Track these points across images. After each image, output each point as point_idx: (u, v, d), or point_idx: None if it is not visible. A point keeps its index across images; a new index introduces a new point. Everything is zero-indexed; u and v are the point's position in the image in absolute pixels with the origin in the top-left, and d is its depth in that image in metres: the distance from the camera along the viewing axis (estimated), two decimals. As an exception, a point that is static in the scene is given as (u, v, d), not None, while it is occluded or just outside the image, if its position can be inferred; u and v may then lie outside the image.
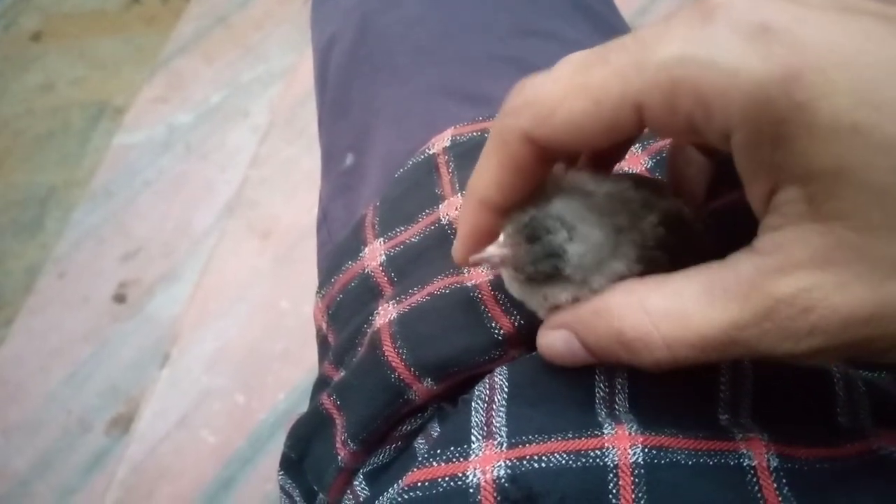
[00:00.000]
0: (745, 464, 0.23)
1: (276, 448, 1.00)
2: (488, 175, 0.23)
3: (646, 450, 0.23)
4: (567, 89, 0.20)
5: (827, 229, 0.18)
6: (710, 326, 0.20)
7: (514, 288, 0.25)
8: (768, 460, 0.23)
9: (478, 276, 0.31)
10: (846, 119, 0.17)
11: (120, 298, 1.18)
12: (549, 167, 0.23)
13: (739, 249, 0.20)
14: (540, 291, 0.23)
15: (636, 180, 0.24)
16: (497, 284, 0.30)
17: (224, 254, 1.21)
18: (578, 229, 0.22)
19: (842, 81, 0.17)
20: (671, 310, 0.20)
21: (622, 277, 0.22)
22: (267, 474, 0.98)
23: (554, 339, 0.24)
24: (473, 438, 0.25)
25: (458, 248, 0.25)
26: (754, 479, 0.23)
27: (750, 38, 0.17)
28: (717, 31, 0.18)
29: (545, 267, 0.22)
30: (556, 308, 0.24)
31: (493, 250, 0.23)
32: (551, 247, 0.22)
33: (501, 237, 0.23)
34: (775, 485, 0.22)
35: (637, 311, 0.21)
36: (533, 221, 0.22)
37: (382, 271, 0.35)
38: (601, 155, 0.26)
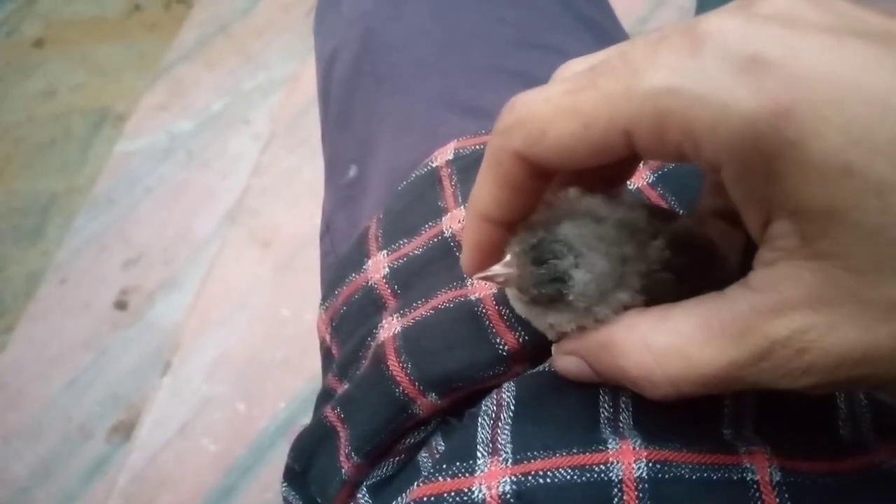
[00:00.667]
0: (748, 478, 0.23)
1: (276, 457, 1.00)
2: (486, 192, 0.23)
3: (650, 464, 0.23)
4: (557, 111, 0.20)
5: (819, 267, 0.18)
6: (709, 365, 0.20)
7: (517, 307, 0.25)
8: (771, 474, 0.23)
9: (481, 290, 0.31)
10: (838, 159, 0.16)
11: (121, 305, 1.18)
12: (546, 182, 0.23)
13: (736, 283, 0.20)
14: (545, 316, 0.24)
15: (651, 210, 0.24)
16: (501, 299, 0.31)
17: (225, 262, 1.21)
18: (586, 257, 0.22)
19: (834, 119, 0.16)
20: (672, 347, 0.21)
21: (626, 307, 0.22)
22: (267, 483, 0.98)
23: (567, 363, 0.25)
24: (479, 454, 0.25)
25: (464, 261, 0.25)
26: (757, 494, 0.23)
27: (740, 72, 0.17)
28: (706, 62, 0.17)
29: (549, 290, 0.22)
30: (563, 333, 0.24)
31: (498, 269, 0.23)
32: (556, 271, 0.22)
33: (508, 256, 0.23)
34: (778, 500, 0.22)
35: (640, 348, 0.21)
36: (541, 244, 0.22)
37: (386, 284, 0.35)
38: (609, 172, 0.26)
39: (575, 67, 0.23)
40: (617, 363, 0.22)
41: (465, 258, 0.25)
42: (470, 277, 0.25)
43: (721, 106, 0.17)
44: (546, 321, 0.24)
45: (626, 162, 0.25)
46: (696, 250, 0.24)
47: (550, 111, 0.20)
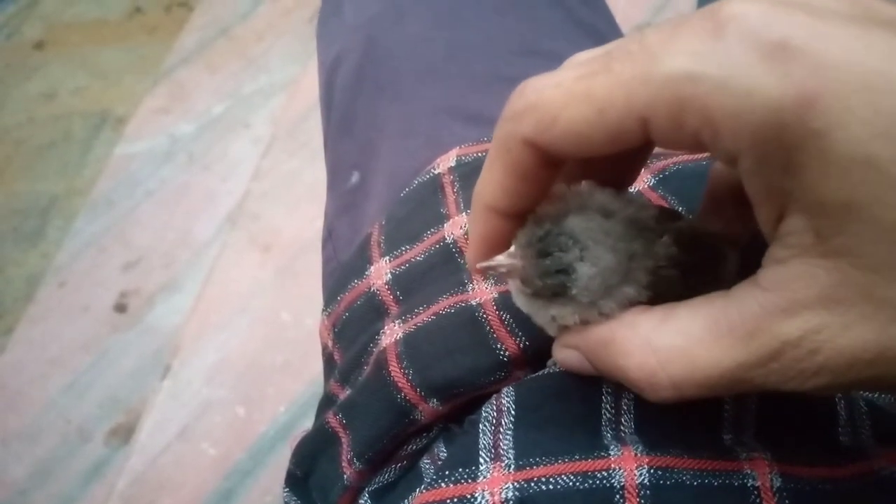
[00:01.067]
0: (748, 484, 0.23)
1: (276, 461, 1.00)
2: (493, 181, 0.22)
3: (651, 470, 0.23)
4: (570, 96, 0.19)
5: (833, 266, 0.17)
6: (716, 367, 0.19)
7: (520, 301, 0.24)
8: (771, 480, 0.23)
9: (482, 295, 0.31)
10: (861, 151, 0.16)
11: (120, 308, 1.18)
12: (555, 171, 0.22)
13: (744, 281, 0.20)
14: (547, 310, 0.23)
15: (661, 210, 0.24)
16: (502, 304, 0.31)
17: (225, 265, 1.21)
18: (591, 250, 0.21)
19: (860, 109, 0.16)
20: (676, 349, 0.20)
21: (631, 303, 0.22)
22: (267, 487, 0.98)
23: (567, 356, 0.24)
24: (481, 460, 0.25)
25: (469, 253, 0.24)
26: (758, 500, 0.23)
27: (765, 57, 0.16)
28: (729, 46, 0.17)
29: (553, 282, 0.22)
30: (565, 327, 0.23)
31: (501, 259, 0.22)
32: (560, 264, 0.21)
33: (513, 247, 0.22)
34: None
35: (642, 349, 0.20)
36: (547, 236, 0.22)
37: (388, 290, 0.35)
38: (618, 164, 0.25)
39: (585, 57, 0.22)
40: (617, 362, 0.21)
41: (470, 250, 0.24)
42: (473, 270, 0.24)
43: (744, 93, 0.16)
44: (548, 314, 0.23)
45: (636, 155, 0.25)
46: (702, 248, 0.24)
47: (563, 96, 0.19)
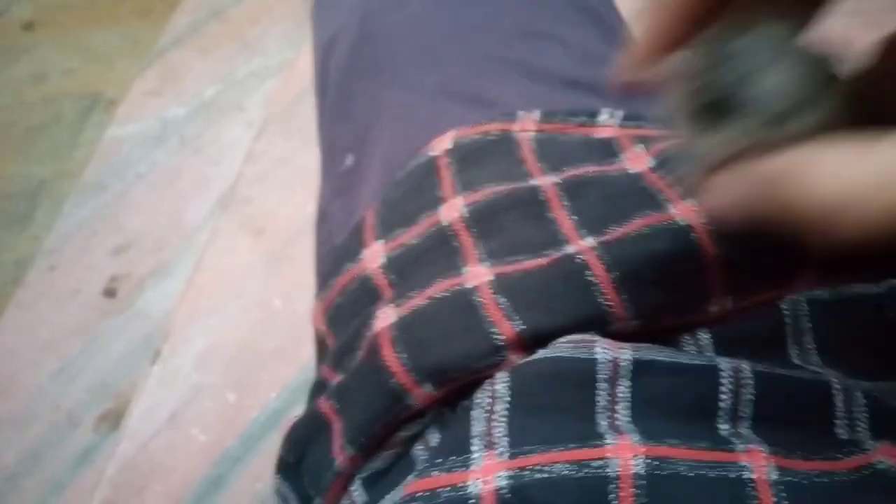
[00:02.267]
0: (744, 476, 0.23)
1: (267, 447, 1.00)
2: None
3: (647, 460, 0.23)
4: None
5: None
6: None
7: (679, 120, 0.21)
8: (768, 473, 0.23)
9: (477, 278, 0.31)
10: None
11: (110, 293, 1.17)
12: None
13: None
14: (717, 131, 0.20)
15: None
16: (497, 287, 0.30)
17: (217, 250, 1.20)
18: (777, 65, 0.19)
19: None
20: (880, 180, 0.16)
21: (818, 129, 0.19)
22: (258, 473, 0.98)
23: (728, 189, 0.20)
24: (474, 448, 0.25)
25: (635, 51, 0.21)
26: (754, 493, 0.23)
27: None
28: None
29: (729, 87, 0.19)
30: (734, 156, 0.20)
31: (672, 63, 0.19)
32: (739, 73, 0.19)
33: (684, 53, 0.20)
34: (774, 499, 0.22)
35: (834, 178, 0.17)
36: (728, 44, 0.19)
37: (382, 273, 0.35)
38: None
39: None
40: (799, 194, 0.17)
41: (632, 53, 0.21)
42: (632, 69, 0.21)
43: None
44: (720, 135, 0.20)
45: None
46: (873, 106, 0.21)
47: None
